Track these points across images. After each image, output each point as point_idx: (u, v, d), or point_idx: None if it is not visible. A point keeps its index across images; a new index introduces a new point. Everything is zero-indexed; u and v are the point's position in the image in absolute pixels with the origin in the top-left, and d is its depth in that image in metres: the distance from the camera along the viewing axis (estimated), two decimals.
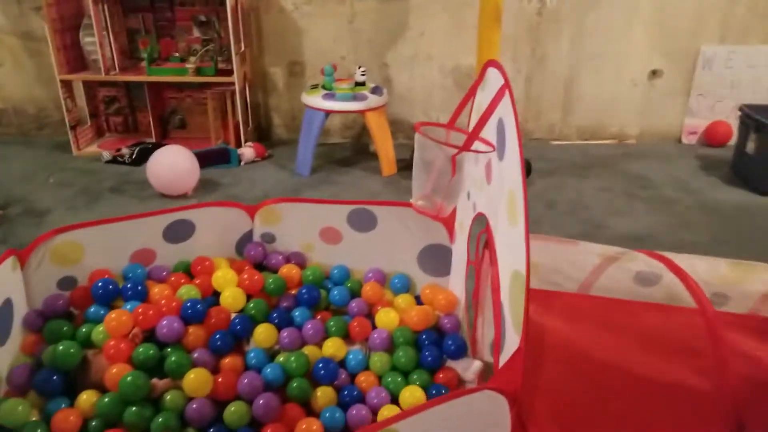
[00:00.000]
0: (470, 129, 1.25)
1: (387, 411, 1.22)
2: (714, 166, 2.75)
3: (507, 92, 0.97)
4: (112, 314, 1.25)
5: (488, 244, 1.15)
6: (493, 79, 1.07)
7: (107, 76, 2.74)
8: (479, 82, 1.18)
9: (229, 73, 2.71)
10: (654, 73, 3.00)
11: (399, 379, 1.30)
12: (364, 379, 1.30)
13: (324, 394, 1.24)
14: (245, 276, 1.43)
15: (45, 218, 2.15)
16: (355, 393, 1.26)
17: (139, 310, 1.27)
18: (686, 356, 1.01)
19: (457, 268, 1.47)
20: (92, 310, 1.32)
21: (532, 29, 2.93)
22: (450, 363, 1.35)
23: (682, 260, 1.17)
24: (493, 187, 1.10)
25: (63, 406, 1.15)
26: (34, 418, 1.12)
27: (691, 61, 2.97)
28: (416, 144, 1.22)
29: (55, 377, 1.17)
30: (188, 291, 1.37)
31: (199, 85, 2.88)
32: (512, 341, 0.92)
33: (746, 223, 2.20)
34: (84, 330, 1.28)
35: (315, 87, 2.64)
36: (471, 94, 1.22)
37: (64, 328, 1.28)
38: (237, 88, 2.72)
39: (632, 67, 3.00)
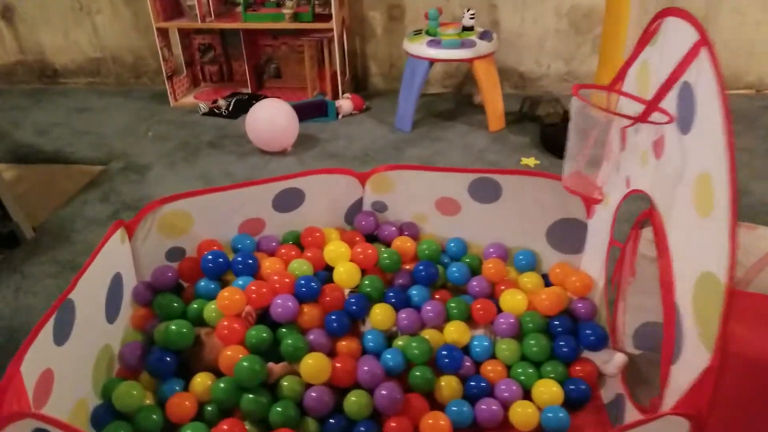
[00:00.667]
0: (625, 90, 1.05)
1: (520, 407, 1.10)
2: None
3: (705, 51, 0.77)
4: (225, 292, 1.18)
5: (655, 230, 0.96)
6: (677, 32, 0.86)
7: (203, 23, 2.65)
8: (650, 35, 0.96)
9: (327, 18, 2.54)
10: None
11: (531, 370, 1.17)
12: (491, 369, 1.18)
13: (449, 385, 1.13)
14: (358, 250, 1.32)
15: (146, 174, 2.13)
16: (483, 384, 1.14)
17: (252, 288, 1.19)
18: None
19: (594, 246, 1.29)
20: (202, 284, 1.26)
21: None
22: (587, 354, 1.20)
23: None
24: (665, 165, 0.90)
25: (177, 389, 1.10)
26: (148, 402, 1.08)
27: None
28: (572, 110, 1.02)
29: (168, 358, 1.12)
30: (300, 266, 1.28)
31: (295, 31, 2.74)
32: (698, 356, 0.77)
33: None
34: (195, 306, 1.22)
35: (418, 33, 2.43)
36: (640, 48, 1.00)
37: (175, 304, 1.22)
38: (335, 34, 2.56)
39: None
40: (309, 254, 1.33)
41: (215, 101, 2.69)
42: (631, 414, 1.03)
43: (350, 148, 2.29)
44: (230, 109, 2.63)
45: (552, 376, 1.15)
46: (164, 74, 2.72)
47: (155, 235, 1.26)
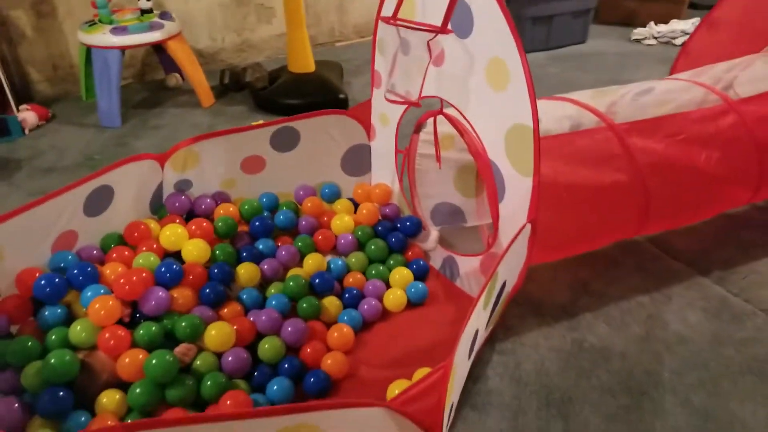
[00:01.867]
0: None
1: (391, 294, 1.33)
2: None
3: None
4: (95, 304, 1.06)
5: (451, 121, 1.27)
6: None
7: None
8: None
9: None
10: None
11: (381, 267, 1.40)
12: (352, 281, 1.37)
13: (331, 303, 1.28)
14: (193, 227, 1.32)
15: None
16: (355, 292, 1.33)
17: (121, 281, 1.10)
18: (608, 162, 1.30)
19: (381, 161, 1.57)
20: (47, 313, 1.10)
21: None
22: (411, 241, 1.50)
23: (578, 96, 1.47)
24: (449, 67, 1.20)
25: (83, 419, 0.99)
26: None
27: None
28: (379, 38, 1.25)
29: (61, 393, 0.99)
30: (147, 258, 1.22)
31: None
32: (519, 185, 1.10)
33: None
34: (54, 338, 1.07)
35: (92, 23, 2.27)
36: None
37: (29, 344, 1.04)
38: None
39: None
40: (144, 248, 1.27)
41: None
42: (464, 262, 1.37)
43: (66, 158, 2.06)
44: None
45: (397, 266, 1.41)
46: None
47: None
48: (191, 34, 2.83)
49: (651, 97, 1.48)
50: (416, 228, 1.48)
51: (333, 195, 1.59)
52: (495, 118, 1.14)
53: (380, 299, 1.33)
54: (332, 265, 1.38)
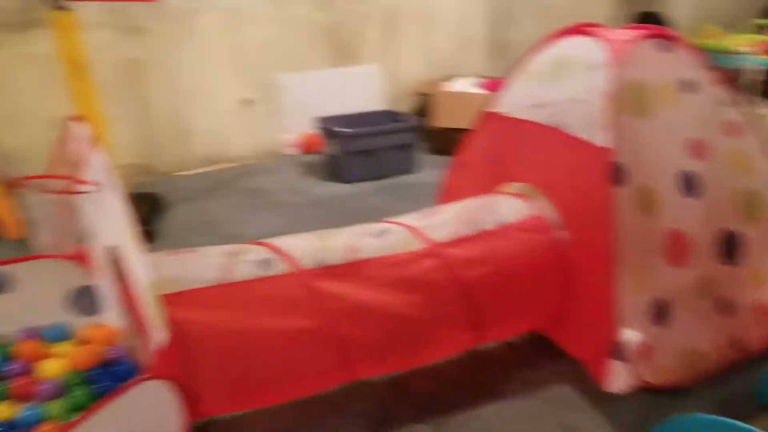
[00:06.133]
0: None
1: None
2: (313, 169, 3.42)
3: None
4: None
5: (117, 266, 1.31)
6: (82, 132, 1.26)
7: None
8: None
9: None
10: (247, 101, 3.50)
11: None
12: (45, 430, 1.31)
13: None
14: None
15: None
16: None
17: None
18: (294, 308, 1.36)
19: (109, 302, 1.59)
20: None
21: (125, 75, 3.11)
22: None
23: (283, 241, 1.52)
24: (109, 219, 1.28)
25: None
26: None
27: (274, 87, 3.57)
28: (30, 200, 1.34)
29: None
30: None
31: None
32: (158, 337, 1.13)
33: (342, 207, 2.88)
34: None
35: None
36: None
37: None
38: None
39: (227, 97, 3.46)
40: None
41: None
42: None
43: None
44: None
45: None
46: None
47: None
48: (17, 168, 2.87)
49: (366, 241, 1.53)
50: (126, 373, 1.42)
51: (59, 337, 1.56)
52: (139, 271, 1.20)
53: None
54: (25, 413, 1.33)
